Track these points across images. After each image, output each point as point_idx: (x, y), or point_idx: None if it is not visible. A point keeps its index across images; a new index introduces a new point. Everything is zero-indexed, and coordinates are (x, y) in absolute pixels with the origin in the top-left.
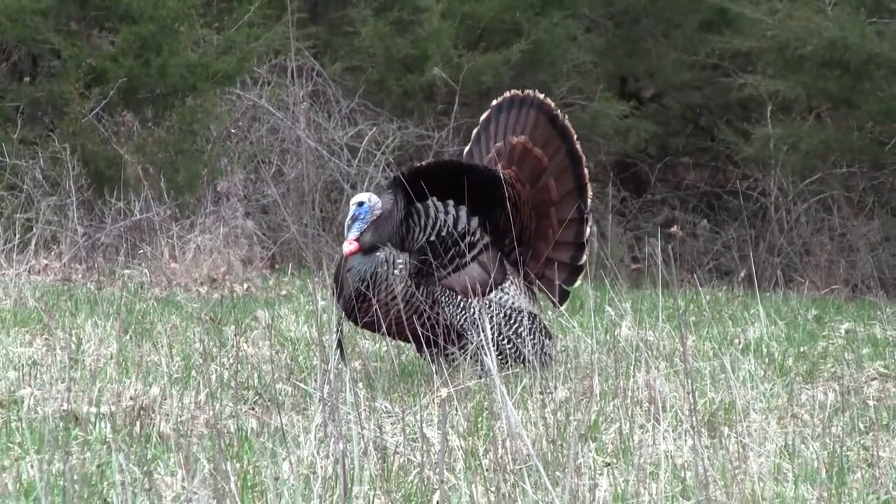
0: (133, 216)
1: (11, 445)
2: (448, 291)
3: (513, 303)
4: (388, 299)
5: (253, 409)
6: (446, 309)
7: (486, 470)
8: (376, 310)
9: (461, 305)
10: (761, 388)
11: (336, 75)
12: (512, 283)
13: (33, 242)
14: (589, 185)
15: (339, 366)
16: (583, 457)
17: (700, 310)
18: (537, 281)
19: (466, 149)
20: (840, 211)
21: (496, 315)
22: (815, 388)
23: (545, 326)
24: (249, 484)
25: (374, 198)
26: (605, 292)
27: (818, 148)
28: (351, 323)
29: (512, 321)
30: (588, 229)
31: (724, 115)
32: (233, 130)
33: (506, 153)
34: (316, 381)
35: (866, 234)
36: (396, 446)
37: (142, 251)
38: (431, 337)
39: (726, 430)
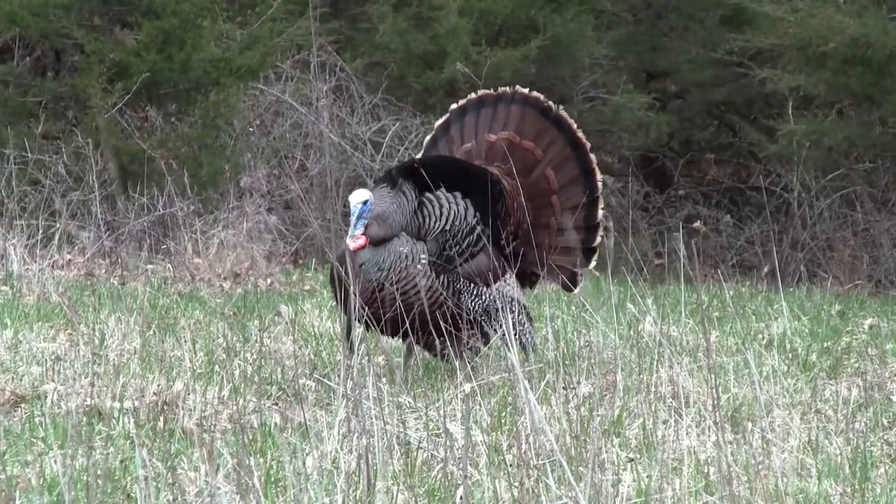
0: (156, 211)
1: (35, 440)
2: (463, 279)
3: (511, 293)
4: (409, 288)
5: (276, 404)
6: (462, 296)
7: (510, 465)
8: (397, 299)
9: (475, 293)
10: (785, 383)
11: (358, 71)
12: (510, 274)
13: (56, 237)
14: (597, 169)
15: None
16: (606, 452)
17: (723, 305)
18: (545, 268)
19: (419, 155)
20: (863, 206)
21: (504, 303)
22: (839, 384)
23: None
24: (273, 479)
25: (372, 196)
26: (627, 288)
27: (841, 144)
28: (366, 319)
29: (512, 311)
30: (600, 211)
31: (747, 112)
32: (250, 129)
33: (481, 152)
34: (339, 376)
35: (889, 230)
36: (420, 441)
37: (165, 246)
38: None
39: (749, 425)
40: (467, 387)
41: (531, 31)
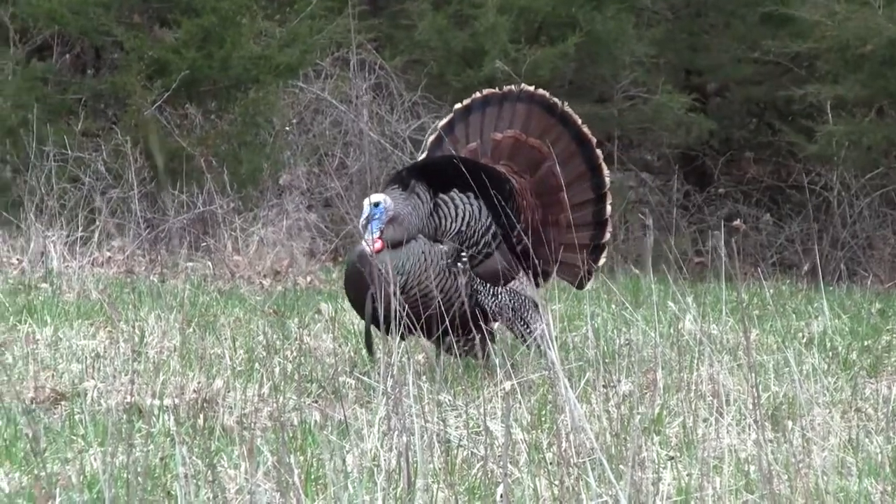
0: (196, 209)
1: (75, 438)
2: (479, 279)
3: (525, 291)
4: (429, 290)
5: (316, 401)
6: (479, 296)
7: (550, 463)
8: (416, 301)
9: (491, 293)
10: (825, 381)
11: (397, 69)
12: (522, 272)
13: (96, 235)
14: (604, 165)
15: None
16: (646, 450)
17: (764, 303)
18: (556, 265)
19: (422, 156)
20: None
21: (516, 301)
22: (879, 382)
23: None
24: (313, 477)
25: (388, 198)
26: (668, 286)
27: (880, 143)
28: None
29: (526, 309)
30: (609, 206)
31: (786, 110)
32: (286, 128)
33: (487, 150)
34: (379, 374)
35: None
36: (460, 439)
37: (205, 244)
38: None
39: (790, 423)
40: (507, 385)
41: (571, 29)
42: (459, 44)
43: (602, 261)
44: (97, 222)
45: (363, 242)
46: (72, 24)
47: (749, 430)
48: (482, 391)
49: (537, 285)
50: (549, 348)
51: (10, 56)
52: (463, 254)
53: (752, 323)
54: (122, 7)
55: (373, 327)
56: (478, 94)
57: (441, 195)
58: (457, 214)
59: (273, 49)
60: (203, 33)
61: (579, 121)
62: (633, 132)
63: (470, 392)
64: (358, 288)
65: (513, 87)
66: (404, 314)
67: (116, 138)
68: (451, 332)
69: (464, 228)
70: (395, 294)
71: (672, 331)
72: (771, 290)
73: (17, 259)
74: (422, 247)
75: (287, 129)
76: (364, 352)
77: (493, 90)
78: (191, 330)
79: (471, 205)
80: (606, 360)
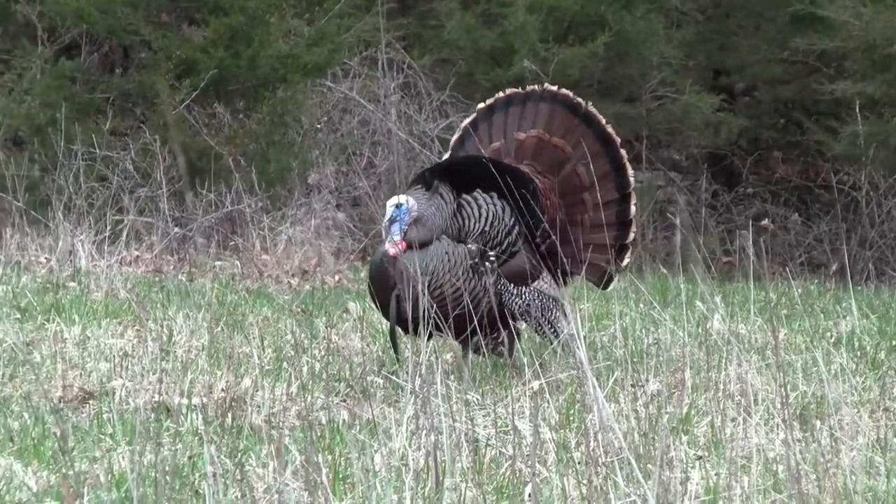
0: (224, 208)
1: (103, 437)
2: (503, 280)
3: (549, 291)
4: (453, 290)
5: (344, 401)
6: (503, 296)
7: (578, 462)
8: (444, 301)
9: (515, 293)
10: (853, 381)
11: (426, 68)
12: (546, 273)
13: (124, 234)
14: (628, 165)
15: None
16: (674, 450)
17: (792, 303)
18: (579, 265)
19: (445, 157)
20: None
21: (539, 302)
22: None
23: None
24: (341, 476)
25: (410, 199)
26: (696, 285)
27: None
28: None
29: (550, 309)
30: (633, 207)
31: (814, 109)
32: (318, 125)
33: (510, 150)
34: (407, 373)
35: None
36: (488, 439)
37: (233, 243)
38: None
39: (818, 423)
40: (536, 384)
41: (600, 29)
42: (488, 43)
43: (626, 261)
44: (125, 221)
45: (386, 244)
46: (99, 23)
47: (777, 429)
48: (510, 390)
49: (559, 286)
50: (578, 348)
51: (39, 55)
52: (490, 253)
53: (780, 322)
54: (150, 6)
55: (398, 328)
56: (501, 94)
57: (464, 196)
58: (480, 215)
59: (301, 48)
60: (231, 32)
61: (603, 120)
62: (661, 132)
63: (498, 391)
64: (382, 289)
65: (536, 86)
66: (432, 314)
67: (144, 137)
68: (479, 331)
69: (487, 229)
70: (422, 293)
71: (700, 330)
72: (799, 290)
73: (46, 258)
74: (445, 247)
75: (318, 126)
76: (391, 352)
77: (516, 90)
78: (219, 329)
79: (494, 205)
80: (635, 360)
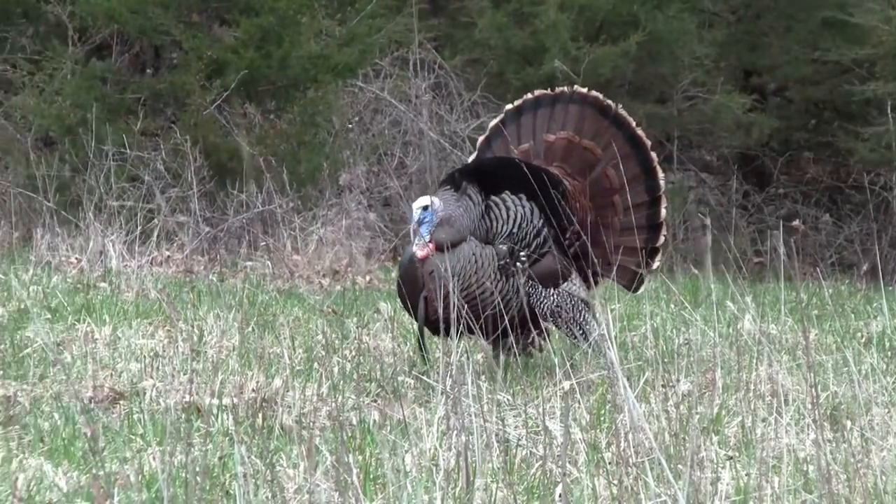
0: (255, 208)
1: (133, 437)
2: (531, 281)
3: (577, 293)
4: (480, 292)
5: (375, 401)
6: (531, 298)
7: (609, 463)
8: (472, 303)
9: (542, 295)
10: (884, 381)
11: (457, 68)
12: (576, 275)
13: (155, 234)
14: (658, 167)
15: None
16: (705, 450)
17: (823, 303)
18: (609, 268)
19: (472, 158)
20: None
21: (568, 304)
22: None
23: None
24: (371, 476)
25: (436, 200)
26: (727, 286)
27: None
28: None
29: (579, 310)
30: (663, 210)
31: (845, 109)
32: (351, 124)
33: (539, 152)
34: (438, 373)
35: None
36: (519, 439)
37: (264, 243)
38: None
39: (849, 423)
40: (566, 384)
41: (632, 28)
42: (519, 42)
43: (656, 264)
44: (156, 221)
45: (414, 245)
46: (130, 23)
47: (808, 429)
48: (541, 391)
49: (588, 287)
50: (609, 348)
51: (70, 55)
52: (522, 253)
53: (811, 323)
54: (181, 6)
55: (427, 330)
56: (529, 96)
57: (493, 197)
58: (508, 216)
59: (332, 48)
60: (262, 33)
61: (633, 123)
62: (692, 132)
63: (529, 391)
64: (411, 290)
65: (565, 88)
66: (464, 315)
67: (175, 138)
68: (510, 332)
69: (515, 230)
70: (452, 293)
71: (731, 330)
72: (830, 290)
73: (77, 258)
74: (472, 248)
75: (349, 126)
76: (420, 354)
77: (544, 91)
78: (250, 329)
79: (522, 206)
80: (665, 360)
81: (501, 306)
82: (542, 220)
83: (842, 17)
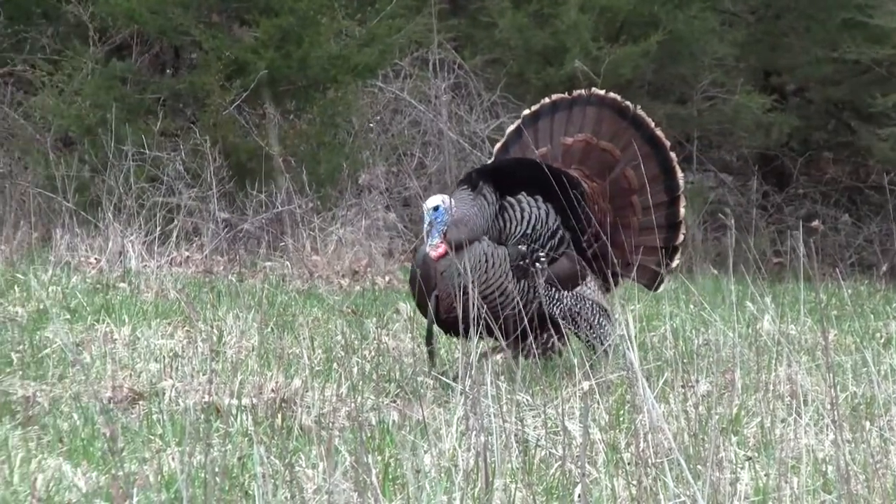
0: (274, 208)
1: (153, 437)
2: (545, 283)
3: (591, 295)
4: (490, 292)
5: (394, 401)
6: (544, 300)
7: (628, 463)
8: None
9: (556, 297)
10: None
11: (477, 68)
12: (592, 278)
13: (174, 234)
14: (678, 167)
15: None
16: (724, 450)
17: (842, 304)
18: (628, 268)
19: (490, 161)
20: None
21: (584, 307)
22: None
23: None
24: (391, 476)
25: (447, 199)
26: (746, 286)
27: None
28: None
29: (594, 314)
30: (682, 209)
31: (865, 111)
32: (371, 124)
33: (558, 155)
34: (448, 373)
35: None
36: (538, 439)
37: (283, 243)
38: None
39: (868, 424)
40: (585, 385)
41: (653, 28)
42: (539, 42)
43: (675, 263)
44: (175, 222)
45: (427, 245)
46: (150, 23)
47: (827, 430)
48: (560, 391)
49: (607, 289)
50: (628, 349)
51: (90, 55)
52: (541, 254)
53: (830, 323)
54: (201, 7)
55: (440, 329)
56: (546, 100)
57: (508, 198)
58: (522, 217)
59: (351, 49)
60: (281, 33)
61: (652, 123)
62: (712, 133)
63: (548, 392)
64: (423, 290)
65: (582, 91)
66: (483, 315)
67: (195, 138)
68: (529, 333)
69: (529, 231)
70: (460, 292)
71: (750, 331)
72: (849, 291)
73: (96, 258)
74: (484, 248)
75: (369, 126)
76: (426, 353)
77: (562, 95)
78: (269, 329)
79: (538, 208)
80: (685, 361)
81: (514, 308)
82: (557, 222)
83: (861, 18)
